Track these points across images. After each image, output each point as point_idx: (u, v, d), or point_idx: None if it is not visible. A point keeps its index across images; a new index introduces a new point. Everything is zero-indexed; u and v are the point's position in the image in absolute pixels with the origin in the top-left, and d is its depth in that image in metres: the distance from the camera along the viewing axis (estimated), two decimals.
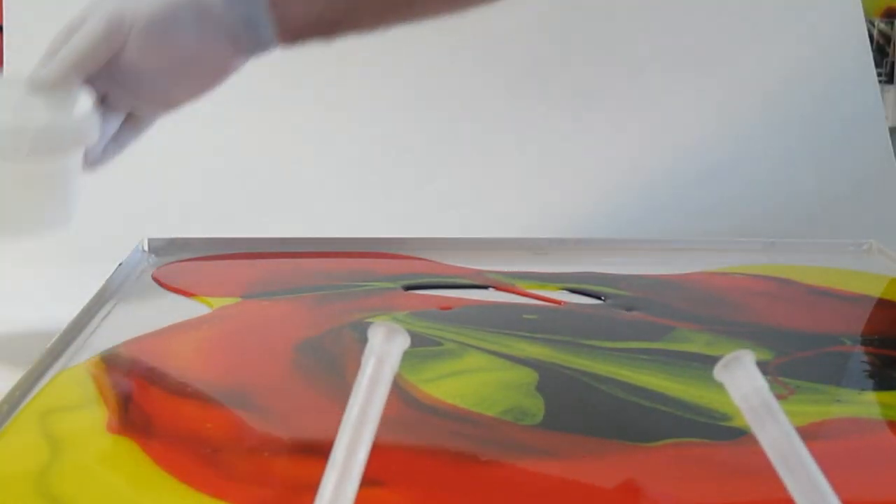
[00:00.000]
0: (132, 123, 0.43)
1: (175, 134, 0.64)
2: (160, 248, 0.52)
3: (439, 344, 0.39)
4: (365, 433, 0.22)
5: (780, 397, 0.32)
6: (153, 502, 0.27)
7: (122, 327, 0.40)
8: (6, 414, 0.32)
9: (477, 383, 0.35)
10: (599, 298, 0.46)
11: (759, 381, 0.22)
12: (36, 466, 0.29)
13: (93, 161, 0.42)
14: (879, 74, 0.79)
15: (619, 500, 0.28)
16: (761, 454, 0.22)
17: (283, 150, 0.64)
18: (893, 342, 0.41)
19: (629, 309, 0.44)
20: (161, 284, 0.47)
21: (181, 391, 0.34)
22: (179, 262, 0.51)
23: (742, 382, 0.22)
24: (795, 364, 0.38)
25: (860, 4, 0.69)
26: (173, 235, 0.53)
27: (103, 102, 0.41)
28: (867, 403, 0.34)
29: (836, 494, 0.21)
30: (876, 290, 0.49)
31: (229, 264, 0.52)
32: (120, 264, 0.48)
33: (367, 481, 0.21)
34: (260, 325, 0.42)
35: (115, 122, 0.42)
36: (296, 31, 0.42)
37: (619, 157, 0.65)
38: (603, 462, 0.30)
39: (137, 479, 0.28)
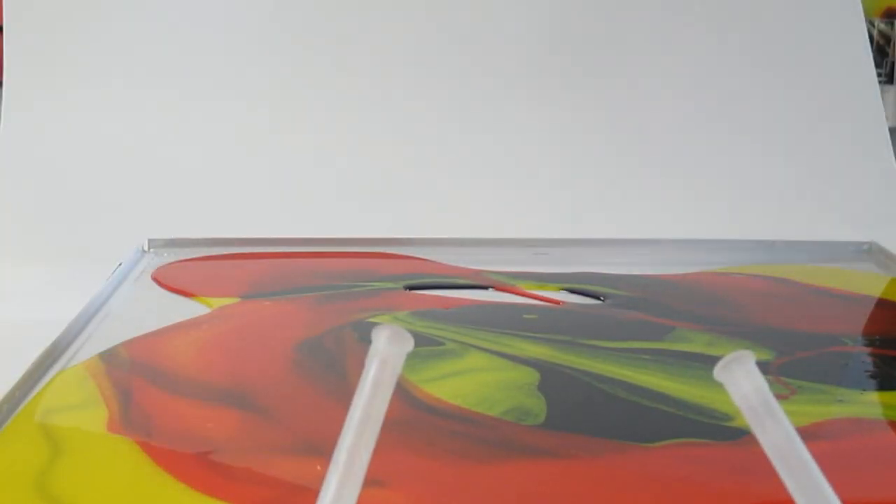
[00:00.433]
0: None
1: (175, 134, 0.64)
2: (160, 248, 0.52)
3: (441, 344, 0.39)
4: (368, 436, 0.22)
5: (782, 397, 0.32)
6: (153, 502, 0.27)
7: (122, 327, 0.40)
8: (6, 414, 0.32)
9: (478, 383, 0.35)
10: (599, 298, 0.46)
11: (759, 381, 0.22)
12: (36, 466, 0.29)
13: None
14: (879, 74, 0.79)
15: (621, 501, 0.28)
16: (763, 454, 0.22)
17: (284, 150, 0.64)
18: (894, 342, 0.41)
19: (629, 309, 0.44)
20: (161, 285, 0.47)
21: (181, 391, 0.34)
22: (179, 262, 0.51)
23: (742, 382, 0.22)
24: (797, 364, 0.38)
25: (860, 4, 0.69)
26: (173, 235, 0.53)
27: None
28: (869, 404, 0.34)
29: (837, 495, 0.21)
30: (876, 290, 0.49)
31: (229, 264, 0.52)
32: (120, 264, 0.48)
33: (368, 482, 0.21)
34: (260, 324, 0.42)
35: None
36: None
37: (618, 155, 0.65)
38: (605, 462, 0.30)
39: (137, 479, 0.28)
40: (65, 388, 0.35)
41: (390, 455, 0.22)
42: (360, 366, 0.38)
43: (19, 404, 0.33)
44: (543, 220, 0.62)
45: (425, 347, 0.38)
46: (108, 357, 0.37)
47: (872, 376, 0.38)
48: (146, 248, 0.52)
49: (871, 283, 0.50)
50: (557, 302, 0.46)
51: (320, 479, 0.21)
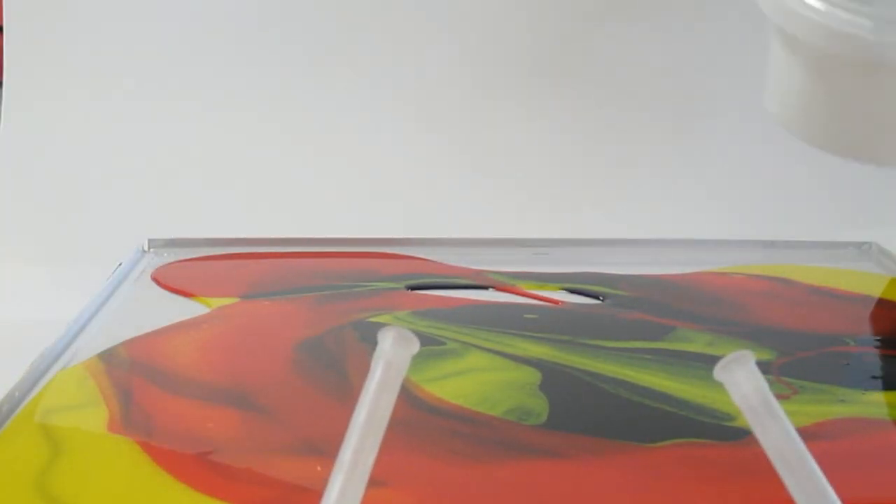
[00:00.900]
0: None
1: (175, 133, 0.64)
2: (160, 248, 0.52)
3: (442, 343, 0.39)
4: (372, 439, 0.22)
5: (783, 397, 0.32)
6: (153, 502, 0.27)
7: (122, 327, 0.40)
8: (6, 414, 0.32)
9: (480, 383, 0.35)
10: (598, 298, 0.46)
11: (759, 381, 0.22)
12: (36, 466, 0.29)
13: None
14: None
15: (623, 501, 0.28)
16: (765, 455, 0.22)
17: (284, 151, 0.64)
18: (895, 342, 0.41)
19: (629, 309, 0.44)
20: (160, 285, 0.47)
21: (181, 391, 0.34)
22: (179, 262, 0.51)
23: (742, 382, 0.22)
24: (798, 364, 0.38)
25: None
26: (173, 235, 0.53)
27: None
28: (870, 404, 0.34)
29: (837, 495, 0.21)
30: (876, 290, 0.49)
31: (229, 264, 0.51)
32: (120, 264, 0.48)
33: (370, 482, 0.21)
34: (260, 324, 0.42)
35: None
36: None
37: (618, 155, 0.65)
38: (607, 462, 0.30)
39: (138, 479, 0.28)
40: (65, 388, 0.35)
41: (392, 455, 0.22)
42: (361, 365, 0.38)
43: (19, 404, 0.33)
44: (544, 220, 0.62)
45: (426, 347, 0.38)
46: (108, 357, 0.37)
47: (874, 376, 0.38)
48: (146, 248, 0.52)
49: (871, 283, 0.50)
50: (557, 302, 0.46)
51: (321, 479, 0.21)
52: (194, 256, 0.52)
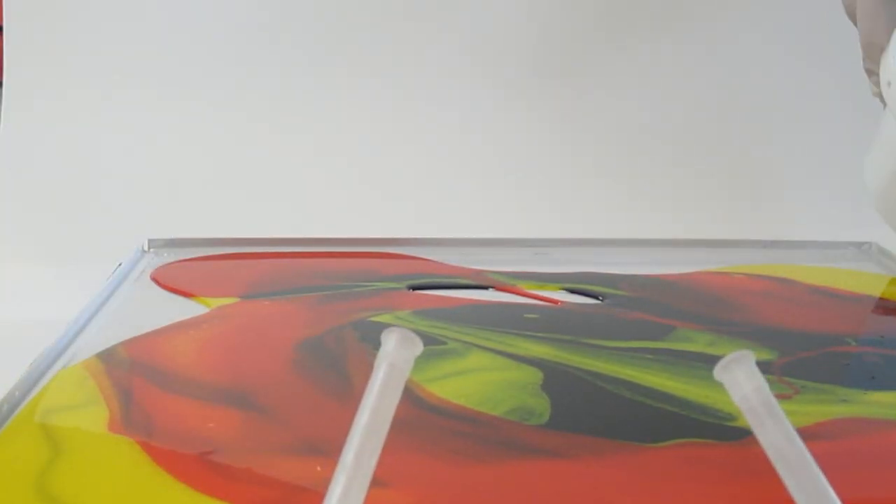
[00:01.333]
0: None
1: (175, 133, 0.64)
2: (160, 248, 0.52)
3: (443, 343, 0.39)
4: (375, 440, 0.22)
5: (785, 397, 0.32)
6: (153, 503, 0.27)
7: (121, 327, 0.40)
8: (6, 414, 0.32)
9: (481, 383, 0.35)
10: (598, 298, 0.46)
11: (760, 381, 0.22)
12: (36, 466, 0.28)
13: None
14: None
15: (625, 501, 0.28)
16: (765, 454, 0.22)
17: (284, 150, 0.64)
18: None
19: (630, 308, 0.44)
20: (160, 285, 0.47)
21: (182, 391, 0.34)
22: (179, 262, 0.51)
23: (742, 382, 0.22)
24: (799, 364, 0.38)
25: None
26: (173, 235, 0.53)
27: None
28: (872, 404, 0.34)
29: (837, 495, 0.21)
30: (876, 290, 0.49)
31: (229, 264, 0.51)
32: (120, 264, 0.48)
33: (372, 482, 0.21)
34: (260, 324, 0.42)
35: None
36: None
37: (618, 155, 0.65)
38: (610, 462, 0.30)
39: (138, 479, 0.28)
40: (65, 387, 0.35)
41: (393, 455, 0.22)
42: (362, 365, 0.38)
43: (19, 404, 0.33)
44: (544, 220, 0.62)
45: (428, 347, 0.38)
46: (108, 357, 0.37)
47: (875, 376, 0.38)
48: (146, 248, 0.52)
49: (871, 283, 0.50)
50: (556, 301, 0.46)
51: (321, 479, 0.21)
52: (194, 256, 0.52)
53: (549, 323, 0.42)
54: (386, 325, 0.26)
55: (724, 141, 0.67)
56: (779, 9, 0.68)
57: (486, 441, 0.31)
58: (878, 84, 0.36)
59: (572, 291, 0.47)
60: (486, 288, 0.47)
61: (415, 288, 0.47)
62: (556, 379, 0.36)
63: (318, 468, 0.29)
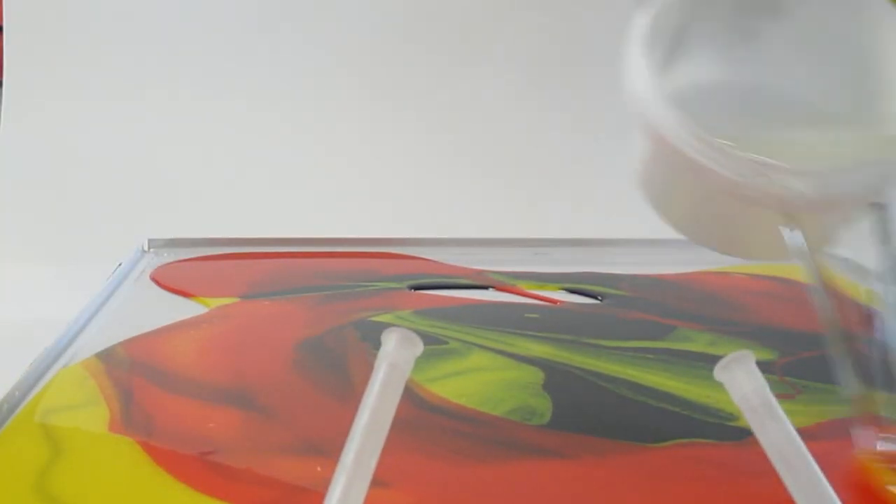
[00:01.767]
0: None
1: (175, 133, 0.64)
2: (160, 248, 0.52)
3: (444, 343, 0.39)
4: (375, 440, 0.21)
5: (787, 397, 0.32)
6: (153, 502, 0.27)
7: (121, 327, 0.40)
8: (6, 414, 0.32)
9: (482, 382, 0.35)
10: (597, 298, 0.46)
11: (760, 381, 0.22)
12: (36, 466, 0.28)
13: None
14: None
15: (626, 501, 0.28)
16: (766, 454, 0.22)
17: (284, 150, 0.64)
18: None
19: (630, 308, 0.44)
20: (160, 285, 0.47)
21: (182, 391, 0.34)
22: (178, 262, 0.51)
23: (742, 382, 0.22)
24: (801, 364, 0.38)
25: None
26: (173, 235, 0.53)
27: None
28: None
29: (837, 495, 0.21)
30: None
31: (229, 264, 0.51)
32: (120, 264, 0.48)
33: (372, 482, 0.21)
34: (260, 323, 0.42)
35: None
36: None
37: (618, 154, 0.65)
38: (611, 462, 0.30)
39: (138, 479, 0.28)
40: (65, 387, 0.35)
41: (394, 455, 0.22)
42: (362, 365, 0.38)
43: (19, 404, 0.33)
44: (544, 220, 0.62)
45: (429, 346, 0.38)
46: (108, 356, 0.37)
47: (876, 376, 0.38)
48: (146, 248, 0.52)
49: None
50: (555, 301, 0.46)
51: (321, 479, 0.21)
52: (194, 256, 0.52)
53: (550, 322, 0.42)
54: (386, 325, 0.26)
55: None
56: None
57: (487, 441, 0.31)
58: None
59: (572, 291, 0.47)
60: (486, 288, 0.47)
61: (415, 288, 0.47)
62: (557, 379, 0.36)
63: (319, 468, 0.29)
